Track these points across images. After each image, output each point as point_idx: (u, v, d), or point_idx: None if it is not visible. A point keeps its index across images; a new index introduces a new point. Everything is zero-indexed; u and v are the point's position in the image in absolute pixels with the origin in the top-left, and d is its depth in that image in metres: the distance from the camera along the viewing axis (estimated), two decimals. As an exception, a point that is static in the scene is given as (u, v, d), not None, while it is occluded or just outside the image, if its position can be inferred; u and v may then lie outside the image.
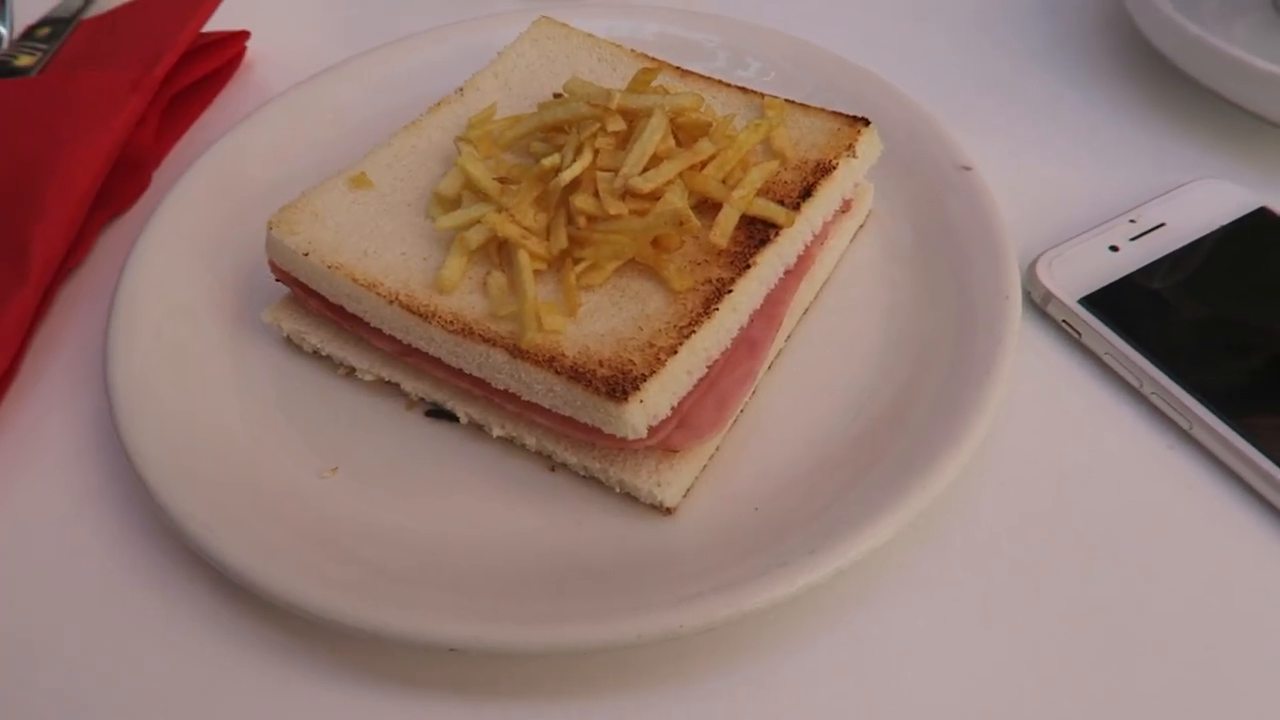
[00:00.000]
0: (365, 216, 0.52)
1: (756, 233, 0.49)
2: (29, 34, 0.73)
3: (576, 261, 0.48)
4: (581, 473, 0.48)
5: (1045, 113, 0.69)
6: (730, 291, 0.47)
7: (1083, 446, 0.50)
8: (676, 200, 0.48)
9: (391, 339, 0.49)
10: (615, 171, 0.49)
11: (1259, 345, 0.53)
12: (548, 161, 0.50)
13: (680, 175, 0.49)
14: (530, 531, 0.46)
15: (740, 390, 0.48)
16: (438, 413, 0.51)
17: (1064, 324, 0.55)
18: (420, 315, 0.47)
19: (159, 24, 0.69)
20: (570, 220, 0.48)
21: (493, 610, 0.41)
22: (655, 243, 0.48)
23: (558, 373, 0.44)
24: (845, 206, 0.55)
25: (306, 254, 0.49)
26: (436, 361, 0.48)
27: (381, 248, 0.50)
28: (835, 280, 0.57)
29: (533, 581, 0.44)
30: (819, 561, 0.41)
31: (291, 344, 0.54)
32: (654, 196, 0.48)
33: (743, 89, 0.58)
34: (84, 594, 0.46)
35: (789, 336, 0.54)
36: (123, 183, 0.64)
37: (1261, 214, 0.58)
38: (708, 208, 0.50)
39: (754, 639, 0.44)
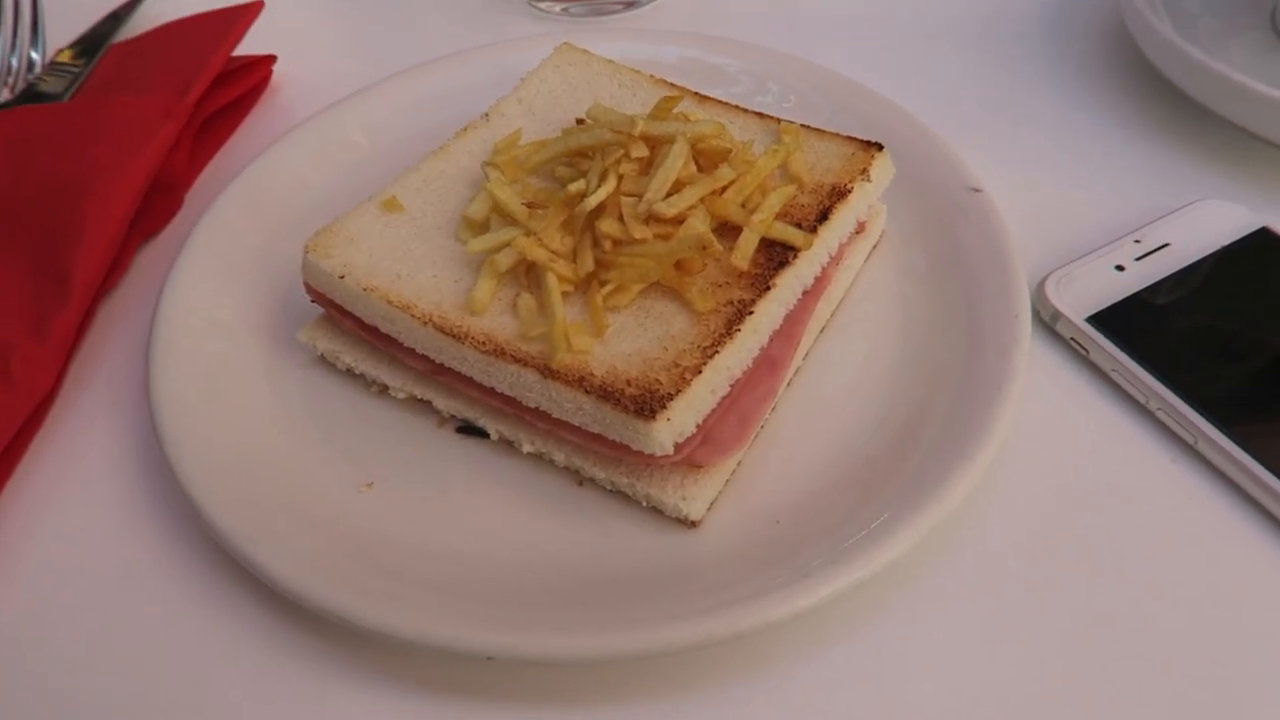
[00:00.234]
0: (397, 240, 0.53)
1: (775, 255, 0.51)
2: (59, 58, 0.75)
3: (603, 284, 0.49)
4: (609, 487, 0.50)
5: (1052, 134, 0.70)
6: (752, 313, 0.48)
7: (1089, 460, 0.52)
8: (699, 225, 0.49)
9: (424, 358, 0.50)
10: (639, 196, 0.50)
11: (1260, 360, 0.55)
12: (574, 187, 0.51)
13: (702, 200, 0.51)
14: (560, 544, 0.48)
15: (761, 408, 0.50)
16: (469, 429, 0.52)
17: (1072, 341, 0.56)
18: (453, 336, 0.48)
19: (189, 50, 0.71)
20: (596, 244, 0.50)
21: (526, 620, 0.43)
22: (679, 265, 0.50)
23: (587, 392, 0.46)
24: (860, 228, 0.57)
25: (342, 277, 0.51)
26: (468, 380, 0.49)
27: (414, 270, 0.52)
28: (850, 299, 0.58)
29: (564, 592, 0.45)
30: (840, 573, 0.43)
31: (325, 362, 0.55)
32: (677, 221, 0.50)
33: (759, 114, 0.60)
34: (130, 605, 0.47)
35: (806, 354, 0.55)
36: (157, 205, 0.65)
37: (1263, 234, 0.60)
38: (728, 231, 0.51)
39: (774, 649, 0.45)
